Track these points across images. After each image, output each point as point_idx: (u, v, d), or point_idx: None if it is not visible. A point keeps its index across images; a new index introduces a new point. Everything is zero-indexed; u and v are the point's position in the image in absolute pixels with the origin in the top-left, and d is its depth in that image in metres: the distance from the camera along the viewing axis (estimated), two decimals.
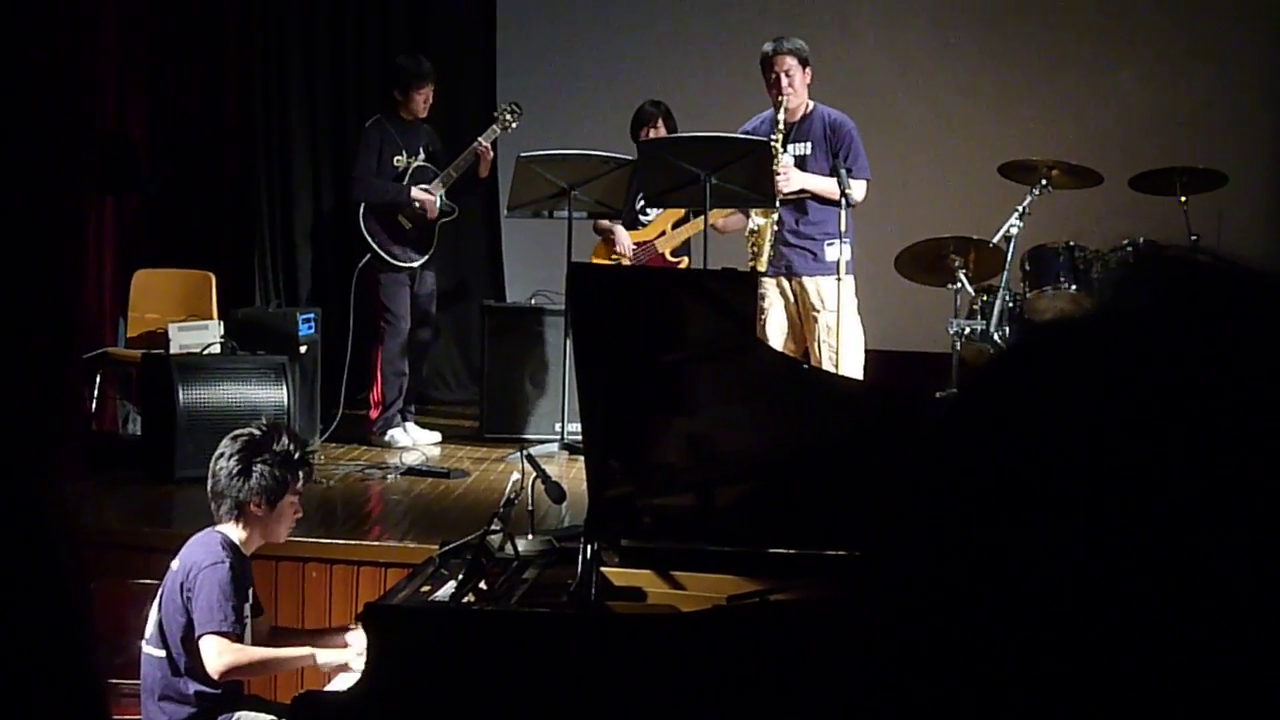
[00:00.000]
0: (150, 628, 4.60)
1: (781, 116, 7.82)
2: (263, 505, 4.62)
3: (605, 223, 8.82)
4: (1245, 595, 0.65)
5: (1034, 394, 0.72)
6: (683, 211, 8.65)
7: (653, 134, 8.66)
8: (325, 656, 4.60)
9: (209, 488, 4.69)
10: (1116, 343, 0.71)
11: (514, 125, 9.03)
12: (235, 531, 4.65)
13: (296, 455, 4.69)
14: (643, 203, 8.74)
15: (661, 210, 8.77)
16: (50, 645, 0.85)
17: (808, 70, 7.88)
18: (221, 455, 4.66)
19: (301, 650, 4.73)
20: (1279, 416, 0.67)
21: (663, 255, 8.79)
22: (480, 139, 8.96)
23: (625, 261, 8.71)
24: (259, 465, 4.60)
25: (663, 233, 8.83)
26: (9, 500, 0.86)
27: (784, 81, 7.79)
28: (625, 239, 8.79)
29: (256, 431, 4.71)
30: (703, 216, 8.19)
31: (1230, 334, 0.69)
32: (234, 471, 4.61)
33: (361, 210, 8.88)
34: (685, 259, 8.70)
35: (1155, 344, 0.70)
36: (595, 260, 8.84)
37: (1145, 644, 0.65)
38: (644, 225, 8.93)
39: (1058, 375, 0.72)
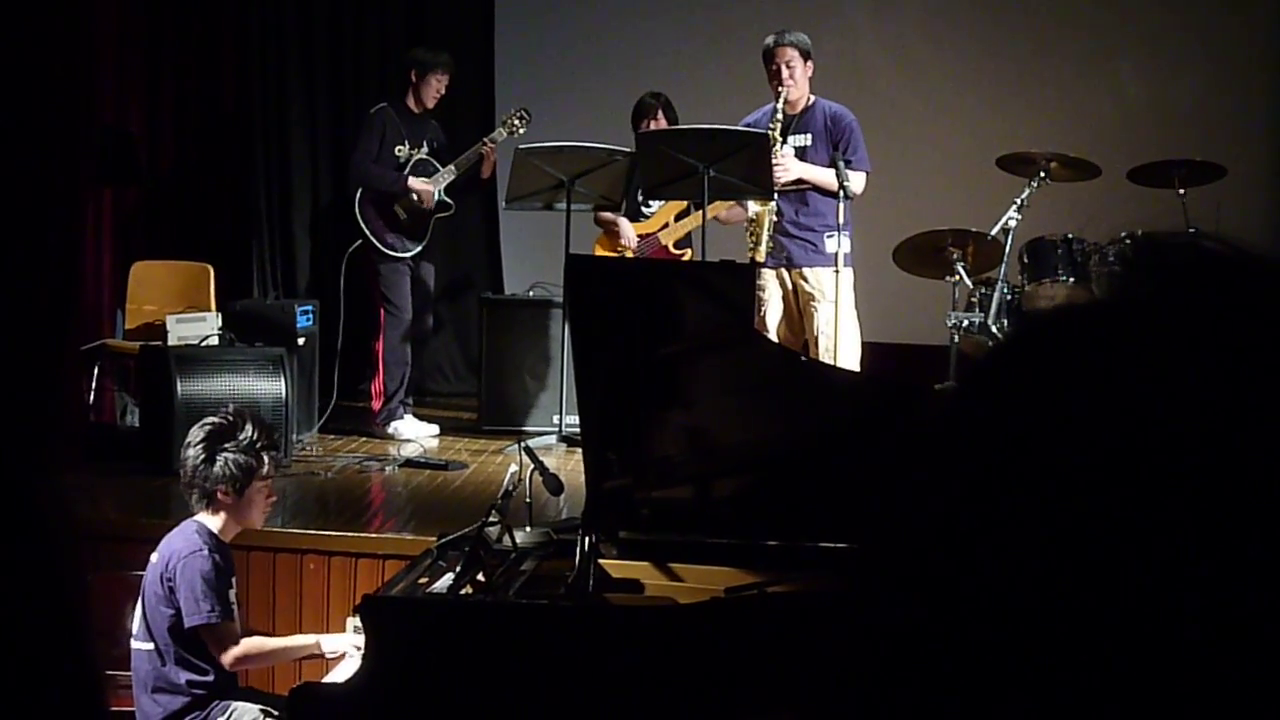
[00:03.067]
0: (136, 622, 4.61)
1: (781, 107, 7.83)
2: (230, 493, 4.64)
3: (608, 215, 8.80)
4: (1254, 589, 0.64)
5: (1035, 385, 0.71)
6: (685, 204, 8.65)
7: (653, 125, 8.65)
8: (330, 644, 4.62)
9: (180, 479, 4.72)
10: (1121, 331, 0.71)
11: (521, 131, 9.00)
12: (210, 520, 4.66)
13: (262, 442, 4.70)
14: (643, 195, 8.73)
15: (664, 203, 8.76)
16: (48, 637, 0.85)
17: (809, 63, 7.90)
18: (189, 445, 4.68)
19: (307, 639, 4.76)
20: None
21: (666, 248, 8.79)
22: (486, 139, 8.97)
23: (629, 254, 8.72)
24: (223, 453, 4.62)
25: (665, 225, 8.82)
26: (7, 492, 0.85)
27: (785, 73, 7.81)
28: (629, 231, 8.78)
29: (223, 420, 4.72)
30: (705, 208, 8.22)
31: (1238, 320, 0.69)
32: (199, 460, 4.63)
33: (358, 196, 8.88)
34: (688, 251, 8.69)
35: (1161, 332, 0.69)
36: (598, 251, 8.84)
37: (1147, 640, 0.65)
38: (646, 218, 8.93)
39: (1060, 366, 0.71)
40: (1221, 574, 0.64)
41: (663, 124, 8.67)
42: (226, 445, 4.64)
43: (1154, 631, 0.65)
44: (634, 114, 8.84)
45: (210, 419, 4.76)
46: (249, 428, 4.70)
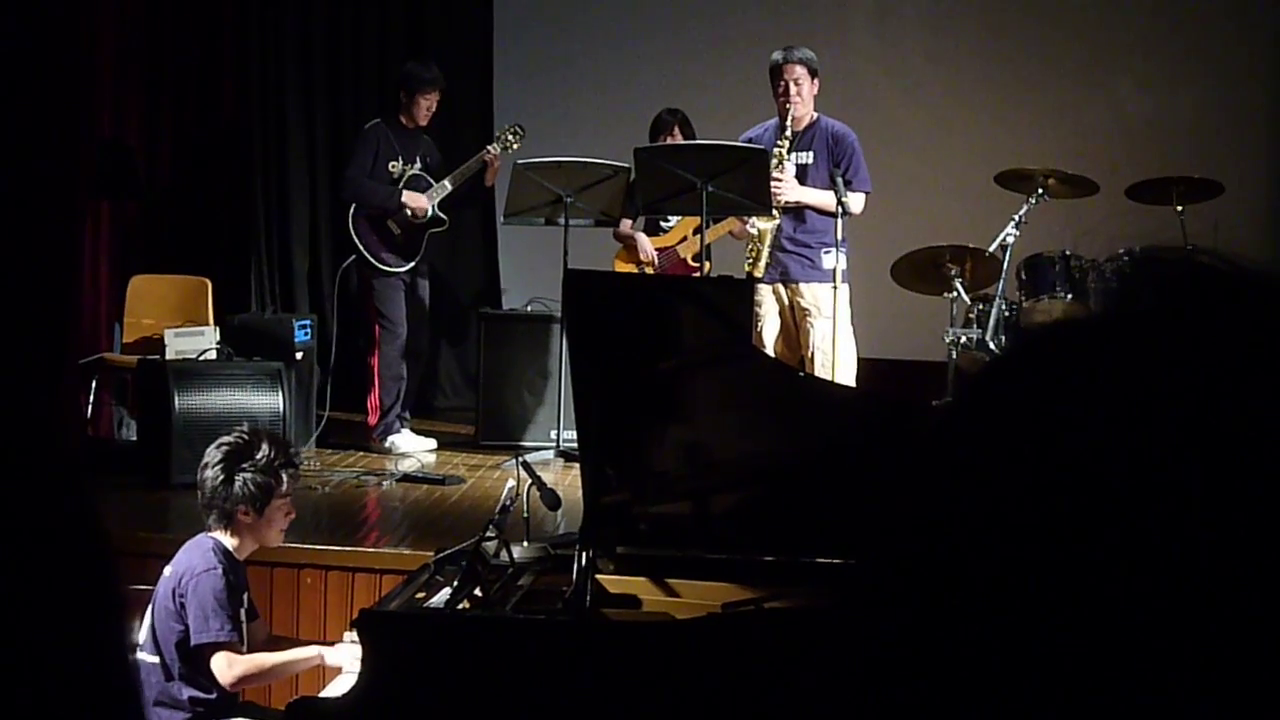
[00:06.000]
0: (143, 634, 4.59)
1: (789, 125, 7.85)
2: (250, 512, 4.62)
3: (626, 229, 8.82)
4: (1251, 602, 0.64)
5: (1032, 399, 0.71)
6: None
7: (670, 142, 8.66)
8: (333, 656, 4.59)
9: (198, 498, 4.70)
10: (1118, 346, 0.71)
11: (516, 146, 9.01)
12: (226, 539, 4.65)
13: (280, 460, 4.68)
14: (641, 209, 8.73)
15: (682, 217, 8.76)
16: (85, 650, 0.84)
17: (816, 81, 7.92)
18: (206, 465, 4.66)
19: (309, 651, 4.74)
20: None
21: (684, 261, 8.79)
22: (488, 147, 8.98)
23: (648, 268, 8.73)
24: (242, 474, 4.60)
25: (684, 238, 8.82)
26: (67, 502, 0.85)
27: (792, 90, 7.83)
28: (647, 245, 8.80)
29: (239, 439, 4.70)
30: (725, 221, 8.23)
31: (1236, 335, 0.69)
32: (218, 481, 4.61)
33: (352, 211, 8.88)
34: (707, 264, 8.65)
35: (1159, 346, 0.69)
36: (618, 266, 8.85)
37: (1144, 653, 0.65)
38: (665, 231, 8.94)
39: (1056, 381, 0.71)
40: (1223, 589, 0.64)
41: (679, 139, 8.68)
42: (245, 465, 4.62)
43: (1153, 648, 0.65)
44: (651, 129, 8.86)
45: (226, 439, 4.73)
46: (266, 446, 4.68)
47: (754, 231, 7.97)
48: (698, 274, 8.36)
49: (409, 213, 8.83)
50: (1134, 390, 0.68)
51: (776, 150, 7.82)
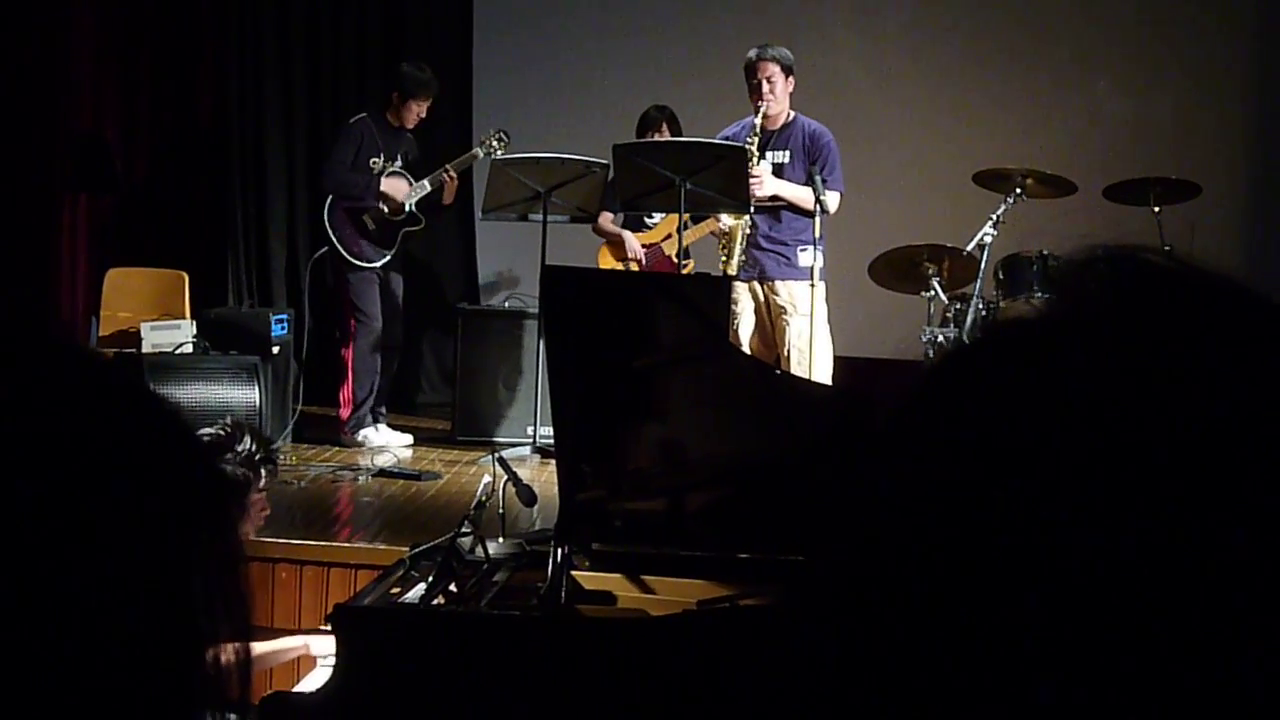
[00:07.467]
0: None
1: (759, 122, 7.85)
2: None
3: (612, 226, 8.81)
4: (1200, 595, 0.64)
5: (984, 394, 0.71)
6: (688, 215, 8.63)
7: (657, 138, 8.65)
8: (319, 645, 4.57)
9: None
10: (1069, 343, 0.71)
11: (499, 152, 8.96)
12: None
13: (259, 455, 4.66)
14: (620, 206, 8.72)
15: (666, 214, 8.74)
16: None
17: (790, 78, 7.91)
18: None
19: (295, 641, 4.72)
20: (1230, 415, 0.66)
21: (669, 258, 8.77)
22: (448, 166, 8.92)
23: (634, 265, 8.71)
24: (222, 466, 4.57)
25: (668, 236, 8.81)
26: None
27: (765, 88, 7.83)
28: (634, 243, 8.78)
29: (219, 431, 4.67)
30: (709, 219, 8.21)
31: (1182, 333, 0.69)
32: None
33: (328, 204, 8.87)
34: (691, 262, 8.62)
35: (1108, 343, 0.70)
36: (603, 262, 8.84)
37: (1099, 649, 0.65)
38: (649, 228, 8.93)
39: (1008, 375, 0.71)
40: (1171, 589, 0.64)
41: (667, 136, 8.66)
42: (224, 457, 4.60)
43: (1103, 641, 0.65)
44: (639, 126, 8.84)
45: (206, 430, 4.71)
46: (247, 439, 4.66)
47: (725, 228, 7.97)
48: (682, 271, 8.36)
49: (384, 208, 8.82)
50: (1080, 385, 0.68)
51: (747, 147, 7.81)
